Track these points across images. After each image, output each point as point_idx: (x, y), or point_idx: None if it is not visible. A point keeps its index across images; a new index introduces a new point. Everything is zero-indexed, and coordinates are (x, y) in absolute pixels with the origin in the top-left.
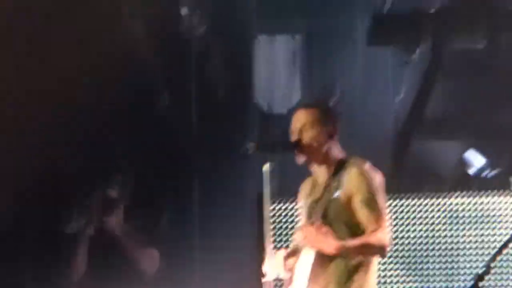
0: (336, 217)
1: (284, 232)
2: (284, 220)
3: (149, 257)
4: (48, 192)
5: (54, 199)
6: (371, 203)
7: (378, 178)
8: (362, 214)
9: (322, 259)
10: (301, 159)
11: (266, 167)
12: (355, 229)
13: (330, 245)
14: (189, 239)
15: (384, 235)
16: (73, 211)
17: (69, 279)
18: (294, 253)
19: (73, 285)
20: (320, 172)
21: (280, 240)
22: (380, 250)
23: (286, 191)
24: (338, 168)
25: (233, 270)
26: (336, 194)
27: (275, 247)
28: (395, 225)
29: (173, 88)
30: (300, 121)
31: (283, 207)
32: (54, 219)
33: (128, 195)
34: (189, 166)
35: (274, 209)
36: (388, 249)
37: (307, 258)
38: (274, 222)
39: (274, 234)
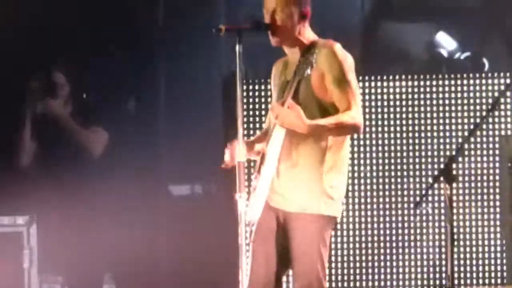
0: (307, 96)
1: (257, 113)
2: (257, 101)
3: (97, 137)
4: None
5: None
6: (343, 83)
7: (349, 59)
8: (334, 93)
9: (293, 138)
10: (274, 40)
11: (238, 47)
12: (327, 108)
13: (302, 123)
14: (155, 121)
15: (357, 113)
16: (19, 93)
17: (17, 163)
18: (264, 136)
19: (22, 169)
20: (292, 53)
21: (253, 121)
22: (353, 128)
23: (259, 73)
24: (309, 48)
25: (200, 154)
26: (307, 72)
27: (247, 128)
28: (363, 107)
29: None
30: (272, 1)
31: (256, 88)
32: None
33: (77, 77)
34: (156, 47)
35: (246, 90)
36: (361, 127)
37: (277, 137)
38: (246, 103)
39: (247, 115)
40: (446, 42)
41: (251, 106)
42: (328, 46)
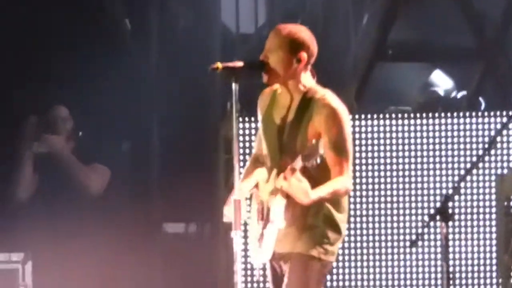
0: (301, 149)
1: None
2: (253, 139)
3: (98, 174)
4: None
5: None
6: (339, 147)
7: (347, 118)
8: (328, 155)
9: (295, 204)
10: (265, 78)
11: (234, 86)
12: (323, 164)
13: (307, 198)
14: (150, 159)
15: (348, 180)
16: (20, 129)
17: (17, 198)
18: (253, 168)
19: (22, 205)
20: (283, 92)
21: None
22: (344, 194)
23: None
24: (305, 99)
25: (195, 192)
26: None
27: (243, 166)
28: (360, 146)
29: (134, 15)
30: (270, 41)
31: (252, 127)
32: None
33: (78, 114)
34: (149, 87)
35: (242, 128)
36: (350, 191)
37: (280, 200)
38: (242, 141)
39: (243, 154)
40: (442, 81)
41: (247, 144)
42: (327, 106)
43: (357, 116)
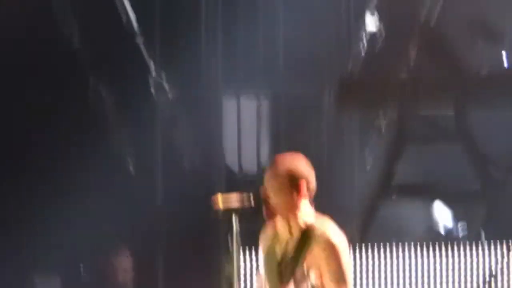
0: (302, 280)
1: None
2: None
3: None
4: None
5: None
6: (339, 279)
7: (346, 249)
8: (330, 286)
9: None
10: (266, 216)
11: (235, 226)
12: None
13: None
14: None
15: None
16: None
17: None
18: None
19: None
20: (283, 226)
21: None
22: None
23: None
24: (305, 235)
25: None
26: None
27: None
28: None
29: (140, 153)
30: (269, 180)
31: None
32: None
33: None
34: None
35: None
36: None
37: None
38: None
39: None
40: (442, 212)
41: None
42: (326, 241)
43: (357, 246)
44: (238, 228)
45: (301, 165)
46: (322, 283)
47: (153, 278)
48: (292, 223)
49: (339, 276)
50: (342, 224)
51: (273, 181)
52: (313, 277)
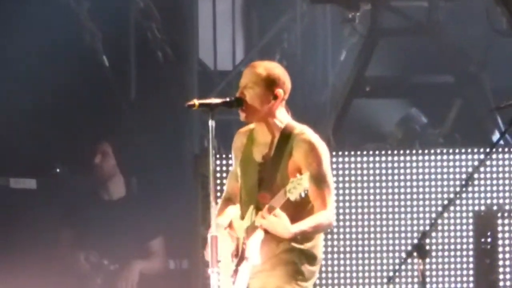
0: (281, 185)
1: None
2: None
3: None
4: None
5: None
6: (320, 181)
7: (325, 151)
8: (310, 189)
9: (271, 240)
10: (242, 116)
11: (211, 123)
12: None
13: (288, 233)
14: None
15: (331, 212)
16: None
17: None
18: (225, 206)
19: None
20: (260, 130)
21: None
22: (327, 227)
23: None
24: (284, 136)
25: (172, 229)
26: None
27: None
28: (337, 182)
29: (113, 48)
30: (245, 78)
31: (229, 164)
32: None
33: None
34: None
35: (220, 165)
36: (333, 224)
37: (258, 235)
38: (219, 178)
39: (220, 190)
40: (419, 117)
41: (224, 181)
42: (306, 141)
43: (334, 153)
44: (214, 125)
45: (278, 68)
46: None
47: None
48: (270, 124)
49: (321, 176)
50: (316, 127)
51: (249, 76)
52: (306, 178)
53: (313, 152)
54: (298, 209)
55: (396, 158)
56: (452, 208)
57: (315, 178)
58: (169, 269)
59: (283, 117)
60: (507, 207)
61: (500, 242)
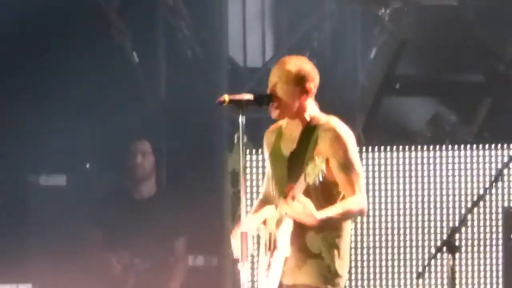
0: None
1: (260, 183)
2: (260, 171)
3: None
4: None
5: None
6: (348, 168)
7: (351, 138)
8: (339, 177)
9: (300, 229)
10: (274, 113)
11: (241, 119)
12: (329, 185)
13: (313, 219)
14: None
15: (362, 198)
16: None
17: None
18: (263, 204)
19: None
20: (291, 126)
21: (257, 191)
22: (359, 214)
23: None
24: (309, 127)
25: (202, 225)
26: (317, 159)
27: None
28: (367, 178)
29: (142, 47)
30: (275, 75)
31: (259, 159)
32: None
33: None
34: (158, 124)
35: (250, 160)
36: (365, 211)
37: (288, 224)
38: (249, 174)
39: (250, 186)
40: (447, 116)
41: (254, 177)
42: (331, 130)
43: (364, 149)
44: (244, 121)
45: (307, 64)
46: (332, 174)
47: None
48: (300, 119)
49: (348, 163)
50: (346, 119)
51: (279, 72)
52: (321, 161)
53: (338, 139)
54: (329, 201)
55: (425, 154)
56: (481, 204)
57: (342, 166)
58: (199, 265)
59: (311, 110)
60: None
61: None
